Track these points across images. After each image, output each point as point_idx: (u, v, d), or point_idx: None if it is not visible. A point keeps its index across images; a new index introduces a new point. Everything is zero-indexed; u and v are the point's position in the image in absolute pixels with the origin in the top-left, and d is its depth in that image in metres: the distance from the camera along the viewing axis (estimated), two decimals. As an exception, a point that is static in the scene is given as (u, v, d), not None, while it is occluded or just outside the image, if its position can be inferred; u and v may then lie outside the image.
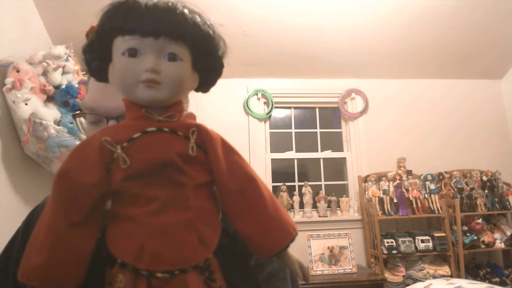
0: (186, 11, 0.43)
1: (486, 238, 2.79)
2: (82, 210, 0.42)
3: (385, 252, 2.63)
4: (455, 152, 3.13)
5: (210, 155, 0.46)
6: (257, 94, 3.05)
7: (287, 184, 2.96)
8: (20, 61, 1.82)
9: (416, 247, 2.68)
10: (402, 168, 2.98)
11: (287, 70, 3.04)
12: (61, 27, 2.31)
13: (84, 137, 0.66)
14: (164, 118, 0.44)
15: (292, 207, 2.91)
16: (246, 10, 2.48)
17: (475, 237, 2.75)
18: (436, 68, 3.16)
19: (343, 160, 3.19)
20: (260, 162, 2.97)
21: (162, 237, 0.41)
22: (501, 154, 3.20)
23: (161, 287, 0.40)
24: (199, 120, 0.50)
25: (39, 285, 0.40)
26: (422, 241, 2.69)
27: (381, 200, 2.82)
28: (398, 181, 2.85)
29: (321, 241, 2.69)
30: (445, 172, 2.99)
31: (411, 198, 2.81)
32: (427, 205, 2.83)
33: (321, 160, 3.16)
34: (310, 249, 2.64)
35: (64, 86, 1.93)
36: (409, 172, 2.93)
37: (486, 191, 2.91)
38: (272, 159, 3.08)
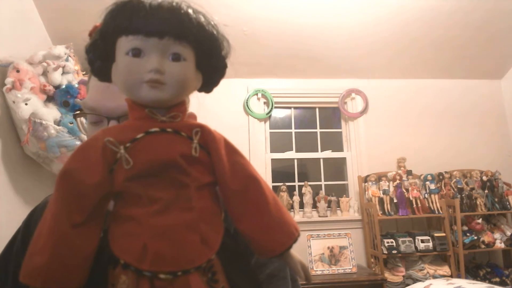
0: (190, 11, 0.43)
1: (486, 238, 2.79)
2: (84, 210, 0.42)
3: (385, 252, 2.63)
4: (455, 152, 3.13)
5: (213, 155, 0.46)
6: (257, 94, 3.05)
7: (287, 184, 2.96)
8: (20, 61, 1.81)
9: (416, 247, 2.68)
10: (402, 168, 2.98)
11: (287, 70, 3.04)
12: (61, 27, 2.31)
13: (84, 137, 0.65)
14: (167, 118, 0.44)
15: (292, 207, 2.91)
16: (246, 10, 2.48)
17: (475, 237, 2.74)
18: (436, 68, 3.16)
19: (343, 160, 3.19)
20: (260, 162, 2.97)
21: (165, 237, 0.41)
22: (501, 154, 3.20)
23: None
24: (200, 120, 0.50)
25: (42, 286, 0.40)
26: (422, 241, 2.69)
27: (381, 200, 2.82)
28: (398, 181, 2.85)
29: (321, 241, 2.69)
30: (445, 172, 2.98)
31: (411, 198, 2.81)
32: (427, 205, 2.83)
33: (321, 160, 3.16)
34: (310, 249, 2.64)
35: (64, 86, 1.92)
36: (409, 172, 2.93)
37: (486, 191, 2.91)
38: (272, 159, 3.07)
